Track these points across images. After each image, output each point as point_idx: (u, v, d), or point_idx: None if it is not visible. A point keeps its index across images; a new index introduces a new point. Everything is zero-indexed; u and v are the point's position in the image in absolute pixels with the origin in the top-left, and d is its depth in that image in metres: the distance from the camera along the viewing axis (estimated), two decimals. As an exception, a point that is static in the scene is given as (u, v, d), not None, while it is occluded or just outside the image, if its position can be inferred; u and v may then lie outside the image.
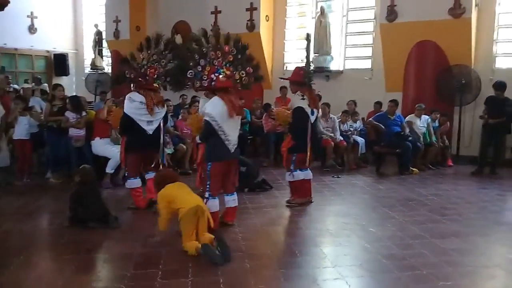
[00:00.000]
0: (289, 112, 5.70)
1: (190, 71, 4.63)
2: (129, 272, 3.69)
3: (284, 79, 6.31)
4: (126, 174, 5.74)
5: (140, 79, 5.36)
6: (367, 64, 10.82)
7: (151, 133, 5.41)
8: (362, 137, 9.05)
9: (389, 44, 9.66)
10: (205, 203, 4.43)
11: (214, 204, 4.63)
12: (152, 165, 5.59)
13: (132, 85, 5.47)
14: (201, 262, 3.86)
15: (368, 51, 10.84)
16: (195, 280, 3.54)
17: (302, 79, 5.66)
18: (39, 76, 13.42)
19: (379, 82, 10.06)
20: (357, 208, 5.94)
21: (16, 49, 13.24)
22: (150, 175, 5.50)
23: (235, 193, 4.93)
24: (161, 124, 5.53)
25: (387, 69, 9.90)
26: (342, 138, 8.66)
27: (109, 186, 6.61)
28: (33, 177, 7.14)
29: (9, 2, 11.26)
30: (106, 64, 14.36)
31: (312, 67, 5.92)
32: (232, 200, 4.88)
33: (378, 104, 9.54)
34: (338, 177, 7.74)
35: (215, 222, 4.45)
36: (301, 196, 5.86)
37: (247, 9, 11.06)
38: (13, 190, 6.51)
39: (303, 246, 4.44)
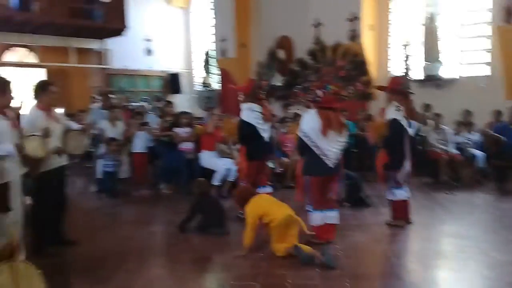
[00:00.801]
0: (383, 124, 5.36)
1: (298, 86, 4.65)
2: (229, 284, 3.77)
3: (380, 88, 6.01)
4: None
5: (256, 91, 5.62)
6: (481, 70, 9.91)
7: (267, 140, 5.61)
8: (479, 150, 8.26)
9: (509, 47, 8.77)
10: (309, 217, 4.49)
11: (318, 217, 4.58)
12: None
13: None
14: (299, 279, 3.78)
15: (484, 56, 9.93)
16: (294, 296, 3.49)
17: (398, 88, 5.34)
18: (157, 95, 14.57)
19: (496, 89, 9.14)
20: (474, 229, 5.37)
21: (135, 70, 14.53)
22: (265, 189, 5.55)
23: (335, 209, 4.76)
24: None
25: (507, 74, 8.96)
26: (457, 152, 7.99)
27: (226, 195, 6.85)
28: (148, 187, 7.68)
29: (125, 27, 12.47)
30: (216, 82, 15.06)
31: (411, 76, 5.58)
32: (331, 217, 4.69)
33: (498, 113, 8.65)
34: (452, 194, 7.13)
35: (327, 235, 4.51)
36: (401, 216, 5.37)
37: (348, 19, 10.85)
38: (131, 199, 7.06)
39: (409, 269, 4.13)
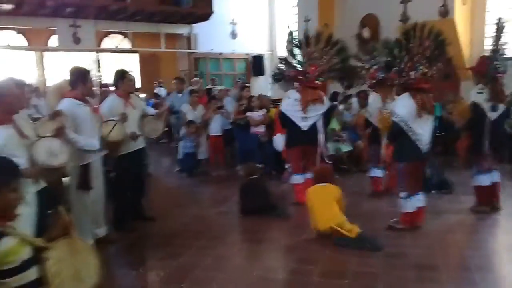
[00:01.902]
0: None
1: (395, 68, 4.51)
2: (290, 266, 3.86)
3: (467, 69, 5.58)
4: (289, 170, 5.94)
5: (300, 76, 5.48)
6: None
7: (305, 129, 5.51)
8: None
9: None
10: (401, 204, 4.55)
11: (412, 204, 4.55)
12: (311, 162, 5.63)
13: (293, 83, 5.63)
14: (360, 265, 3.76)
15: None
16: (350, 283, 3.48)
17: (485, 69, 4.92)
18: (239, 78, 14.91)
19: None
20: None
21: (220, 53, 14.93)
22: (308, 176, 5.51)
23: (422, 193, 4.65)
24: (320, 121, 5.58)
25: None
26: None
27: (287, 180, 6.92)
28: (225, 169, 7.98)
29: (212, 12, 12.84)
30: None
31: (505, 55, 5.07)
32: (421, 200, 4.63)
33: None
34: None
35: (416, 219, 4.58)
36: (485, 202, 5.14)
37: (439, -7, 10.10)
38: (208, 179, 7.40)
39: (483, 262, 3.88)
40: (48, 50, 12.61)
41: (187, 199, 6.28)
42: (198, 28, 14.04)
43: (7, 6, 10.27)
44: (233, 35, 15.16)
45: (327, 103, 5.73)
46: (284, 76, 5.71)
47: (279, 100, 11.56)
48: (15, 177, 1.92)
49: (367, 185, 6.17)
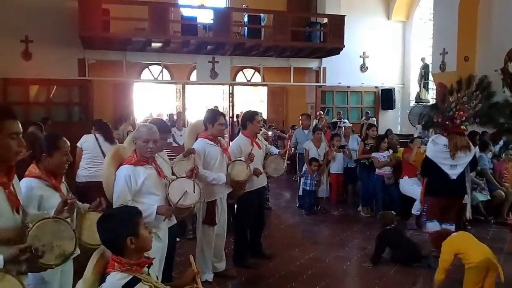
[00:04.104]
0: None
1: None
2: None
3: None
4: (424, 217, 5.58)
5: (447, 122, 5.19)
6: None
7: (454, 178, 5.11)
8: None
9: None
10: None
11: None
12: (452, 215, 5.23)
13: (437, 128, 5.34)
14: None
15: None
16: None
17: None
18: (367, 111, 14.61)
19: None
20: None
21: (348, 86, 14.83)
22: (449, 227, 5.12)
23: None
24: (467, 170, 5.17)
25: None
26: None
27: (413, 227, 6.53)
28: (346, 208, 7.81)
29: (343, 46, 12.90)
30: (431, 97, 14.19)
31: None
32: None
33: None
34: None
35: None
36: None
37: None
38: (328, 218, 7.31)
39: None
40: (188, 83, 13.84)
41: (305, 238, 6.27)
42: (327, 61, 14.17)
43: (157, 44, 11.58)
44: (363, 68, 14.98)
45: (473, 150, 5.34)
46: (435, 123, 5.46)
47: (408, 136, 11.08)
48: (141, 217, 2.12)
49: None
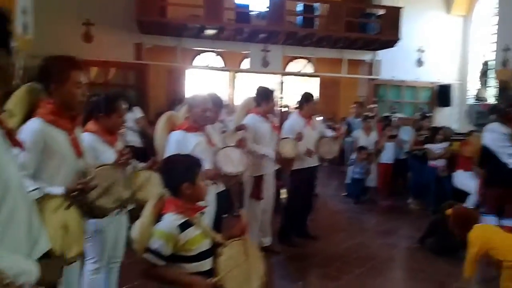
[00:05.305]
0: None
1: None
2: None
3: None
4: (480, 210, 5.34)
5: (507, 109, 4.93)
6: None
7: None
8: None
9: None
10: None
11: None
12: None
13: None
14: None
15: None
16: None
17: None
18: (421, 107, 14.12)
19: None
20: None
21: (403, 81, 14.38)
22: (508, 222, 4.86)
23: None
24: None
25: None
26: None
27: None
28: (395, 199, 7.61)
29: (398, 38, 12.56)
30: (492, 95, 13.54)
31: None
32: None
33: None
34: None
35: None
36: None
37: None
38: (375, 208, 7.17)
39: None
40: (240, 71, 13.95)
41: (351, 225, 6.19)
42: (382, 54, 13.82)
43: (211, 31, 11.75)
44: (419, 62, 14.48)
45: None
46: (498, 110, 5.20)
47: (465, 134, 10.63)
48: (200, 168, 2.18)
49: None
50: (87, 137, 2.76)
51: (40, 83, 2.25)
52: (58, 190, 2.04)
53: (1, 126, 1.40)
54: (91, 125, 2.89)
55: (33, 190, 1.88)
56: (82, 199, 2.11)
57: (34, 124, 2.18)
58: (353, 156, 7.44)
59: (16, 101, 2.04)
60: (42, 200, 1.81)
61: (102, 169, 2.37)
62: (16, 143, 1.46)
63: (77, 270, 2.49)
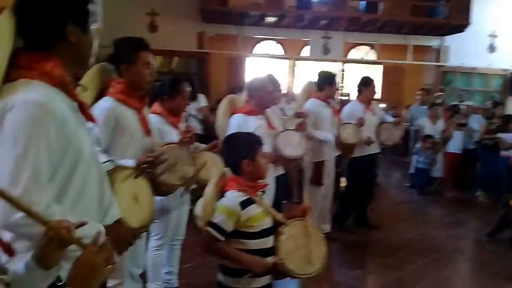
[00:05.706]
0: None
1: None
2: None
3: None
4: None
5: None
6: None
7: None
8: None
9: None
10: None
11: None
12: None
13: None
14: None
15: None
16: None
17: None
18: (492, 95, 13.29)
19: None
20: None
21: (473, 68, 13.58)
22: None
23: None
24: None
25: None
26: None
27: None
28: (463, 191, 7.24)
29: (468, 23, 11.86)
30: None
31: None
32: None
33: None
34: None
35: None
36: None
37: None
38: (441, 200, 6.87)
39: None
40: (300, 59, 13.83)
41: (414, 216, 5.99)
42: (450, 40, 13.11)
43: (271, 19, 11.71)
44: (491, 48, 13.61)
45: None
46: None
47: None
48: (260, 146, 2.19)
49: None
50: (152, 119, 2.85)
51: (111, 63, 2.36)
52: (130, 162, 2.14)
53: (75, 99, 1.46)
54: (156, 107, 2.99)
55: (106, 162, 1.98)
56: (151, 171, 2.20)
57: (106, 103, 2.29)
58: (418, 145, 7.15)
59: (89, 79, 2.14)
60: (114, 171, 1.90)
61: (168, 147, 2.45)
62: (89, 117, 1.53)
63: (143, 243, 2.60)
